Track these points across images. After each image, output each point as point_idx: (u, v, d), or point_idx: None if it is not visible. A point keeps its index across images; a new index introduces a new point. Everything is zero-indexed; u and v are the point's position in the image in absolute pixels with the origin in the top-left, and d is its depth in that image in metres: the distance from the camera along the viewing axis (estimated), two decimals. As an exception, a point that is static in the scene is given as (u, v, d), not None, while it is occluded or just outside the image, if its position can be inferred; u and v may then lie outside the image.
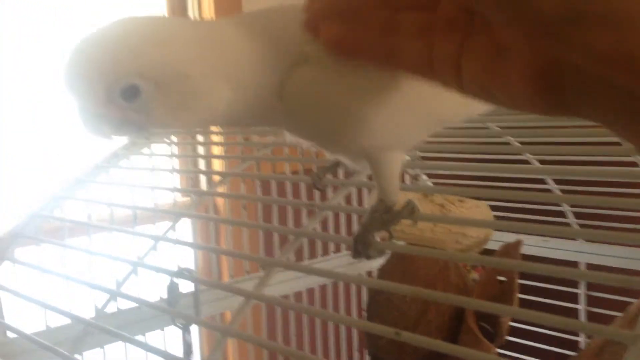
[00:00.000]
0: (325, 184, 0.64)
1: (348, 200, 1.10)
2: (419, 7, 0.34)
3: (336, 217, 1.14)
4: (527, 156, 0.90)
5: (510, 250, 0.71)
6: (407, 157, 1.07)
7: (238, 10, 1.51)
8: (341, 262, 1.10)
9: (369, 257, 0.52)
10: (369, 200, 0.82)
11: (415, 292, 0.48)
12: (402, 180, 1.04)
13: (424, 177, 1.25)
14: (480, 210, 0.76)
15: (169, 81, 0.38)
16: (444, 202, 0.72)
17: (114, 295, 0.65)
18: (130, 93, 0.38)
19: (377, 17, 0.36)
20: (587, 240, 1.29)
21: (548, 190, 1.19)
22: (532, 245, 1.34)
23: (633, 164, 0.85)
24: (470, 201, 0.73)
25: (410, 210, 0.53)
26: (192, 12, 1.53)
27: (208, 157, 1.08)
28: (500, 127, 0.75)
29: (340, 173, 0.65)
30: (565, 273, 0.45)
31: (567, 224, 1.29)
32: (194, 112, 0.41)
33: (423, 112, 0.47)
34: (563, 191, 1.21)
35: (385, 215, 0.51)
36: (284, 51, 0.43)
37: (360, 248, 0.52)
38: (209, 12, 1.51)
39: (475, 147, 0.71)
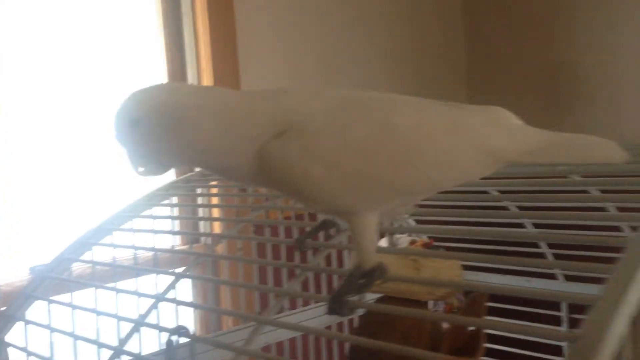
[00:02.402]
0: (307, 247, 0.72)
1: (328, 258, 1.19)
2: None
3: (316, 274, 1.22)
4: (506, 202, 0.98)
5: (476, 300, 0.79)
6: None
7: (231, 24, 1.60)
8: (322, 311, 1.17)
9: (342, 315, 0.59)
10: (350, 262, 0.89)
11: (387, 347, 0.54)
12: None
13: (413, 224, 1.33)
14: (450, 264, 0.83)
15: (163, 114, 0.54)
16: (416, 257, 0.80)
17: (117, 352, 0.72)
18: (133, 124, 0.55)
19: None
20: (568, 280, 1.37)
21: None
22: (516, 285, 1.41)
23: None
24: (443, 253, 0.81)
25: (381, 273, 0.60)
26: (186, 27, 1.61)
27: (209, 220, 1.16)
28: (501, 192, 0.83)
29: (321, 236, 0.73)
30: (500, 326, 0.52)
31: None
32: (191, 137, 0.54)
33: (385, 183, 0.55)
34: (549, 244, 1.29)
35: (361, 281, 0.59)
36: (270, 123, 0.54)
37: (336, 307, 0.59)
38: (202, 19, 1.59)
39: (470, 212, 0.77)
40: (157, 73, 1.59)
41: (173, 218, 1.01)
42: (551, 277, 1.38)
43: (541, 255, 1.33)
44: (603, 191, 0.91)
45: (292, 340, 1.09)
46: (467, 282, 0.78)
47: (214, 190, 1.13)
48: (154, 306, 0.75)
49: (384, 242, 1.20)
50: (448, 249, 1.33)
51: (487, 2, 2.26)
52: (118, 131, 0.56)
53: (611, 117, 2.00)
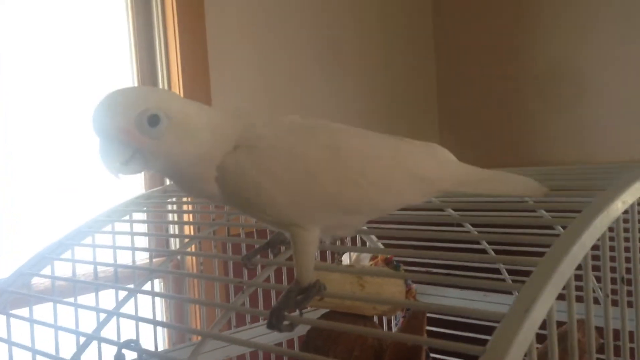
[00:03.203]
0: (255, 264, 0.75)
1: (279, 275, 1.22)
2: None
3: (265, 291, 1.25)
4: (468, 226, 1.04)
5: (417, 316, 0.83)
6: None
7: (201, 26, 1.64)
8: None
9: (280, 331, 0.63)
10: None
11: None
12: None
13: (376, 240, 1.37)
14: (394, 280, 0.88)
15: (179, 117, 0.57)
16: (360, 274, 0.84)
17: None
18: (154, 121, 0.55)
19: None
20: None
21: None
22: (475, 300, 1.46)
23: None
24: (385, 271, 0.85)
25: (318, 290, 0.64)
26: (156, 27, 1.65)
27: (166, 236, 1.18)
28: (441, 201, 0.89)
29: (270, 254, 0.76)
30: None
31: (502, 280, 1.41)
32: (190, 144, 0.57)
33: (328, 200, 0.60)
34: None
35: (299, 297, 0.62)
36: (232, 139, 0.59)
37: (274, 322, 0.63)
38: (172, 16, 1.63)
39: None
40: (127, 78, 1.63)
41: (132, 234, 1.04)
42: (508, 292, 1.43)
43: (497, 272, 1.38)
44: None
45: (241, 357, 1.11)
46: (403, 300, 0.82)
47: (175, 207, 1.16)
48: (107, 320, 0.78)
49: (346, 258, 1.24)
50: (406, 264, 1.38)
51: (457, 29, 2.32)
52: (123, 122, 0.55)
53: (578, 128, 2.07)
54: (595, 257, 0.62)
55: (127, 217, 1.09)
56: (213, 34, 1.68)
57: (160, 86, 1.64)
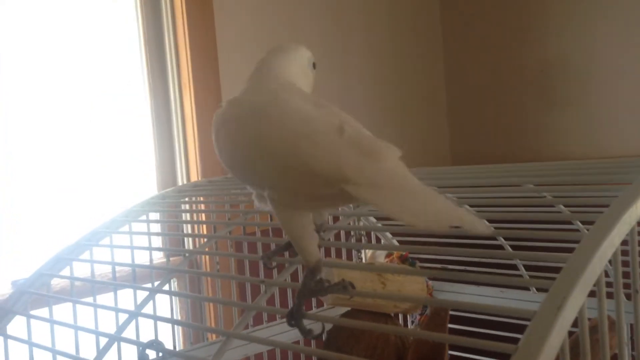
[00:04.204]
0: (274, 264, 0.75)
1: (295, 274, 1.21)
2: None
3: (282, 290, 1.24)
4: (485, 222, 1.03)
5: (439, 313, 0.82)
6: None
7: (210, 23, 1.64)
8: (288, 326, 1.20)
9: (300, 329, 0.62)
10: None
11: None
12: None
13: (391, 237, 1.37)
14: (415, 278, 0.87)
15: None
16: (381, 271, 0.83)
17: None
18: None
19: None
20: (538, 290, 1.40)
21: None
22: (490, 295, 1.45)
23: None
24: (407, 269, 0.85)
25: (342, 288, 0.63)
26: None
27: (181, 235, 1.18)
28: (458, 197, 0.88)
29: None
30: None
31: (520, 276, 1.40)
32: None
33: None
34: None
35: (314, 286, 0.61)
36: None
37: (294, 320, 0.62)
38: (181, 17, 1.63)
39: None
40: (137, 76, 1.62)
41: (149, 234, 1.04)
42: (525, 288, 1.42)
43: (514, 267, 1.37)
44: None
45: (259, 356, 1.11)
46: (427, 298, 0.82)
47: (190, 207, 1.16)
48: (129, 321, 0.78)
49: (380, 256, 1.22)
50: (421, 260, 1.37)
51: (464, 24, 2.31)
52: None
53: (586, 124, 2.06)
54: (622, 252, 0.61)
55: (143, 217, 1.09)
56: (222, 31, 1.68)
57: (170, 84, 1.65)
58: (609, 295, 0.60)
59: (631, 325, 0.63)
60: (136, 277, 1.07)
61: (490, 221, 1.20)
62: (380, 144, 0.54)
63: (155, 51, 1.64)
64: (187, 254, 0.92)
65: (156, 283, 0.83)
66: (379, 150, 0.53)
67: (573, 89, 2.08)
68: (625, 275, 0.66)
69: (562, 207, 1.01)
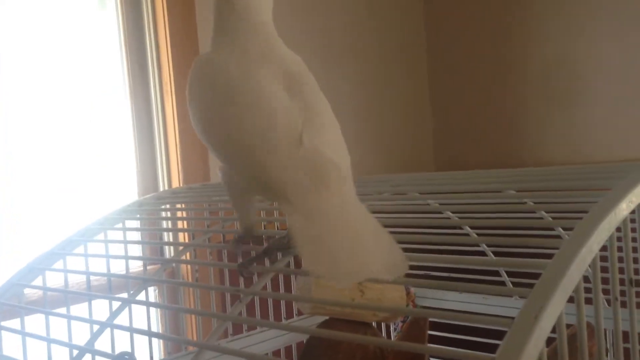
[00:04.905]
0: (252, 272, 0.73)
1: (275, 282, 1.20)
2: None
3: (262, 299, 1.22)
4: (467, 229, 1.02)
5: (418, 322, 0.81)
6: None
7: (192, 23, 1.62)
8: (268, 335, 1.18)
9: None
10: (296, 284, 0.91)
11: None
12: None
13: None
14: (395, 287, 0.86)
15: None
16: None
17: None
18: None
19: None
20: (521, 297, 1.40)
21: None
22: (473, 302, 1.45)
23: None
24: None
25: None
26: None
27: (159, 244, 1.16)
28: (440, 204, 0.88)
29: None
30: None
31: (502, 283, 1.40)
32: None
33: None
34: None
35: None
36: None
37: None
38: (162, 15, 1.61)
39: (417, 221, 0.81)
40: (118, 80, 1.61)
41: (125, 242, 1.01)
42: (508, 295, 1.42)
43: (497, 274, 1.36)
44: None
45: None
46: (404, 308, 0.80)
47: (168, 214, 1.14)
48: (100, 332, 0.76)
49: None
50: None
51: (449, 27, 2.31)
52: None
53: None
54: (601, 259, 0.60)
55: (120, 225, 1.06)
56: (204, 33, 1.67)
57: (150, 73, 1.63)
58: (589, 301, 0.59)
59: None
60: (113, 286, 1.05)
61: (472, 228, 1.20)
62: (331, 165, 0.52)
63: (136, 54, 1.63)
64: (162, 263, 0.90)
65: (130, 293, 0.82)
66: (328, 177, 0.51)
67: (556, 96, 2.09)
68: (608, 280, 0.65)
69: (543, 213, 1.00)
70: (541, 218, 1.02)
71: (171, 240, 1.27)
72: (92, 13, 1.57)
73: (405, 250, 0.57)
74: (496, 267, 1.27)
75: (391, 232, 0.55)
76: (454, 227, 1.01)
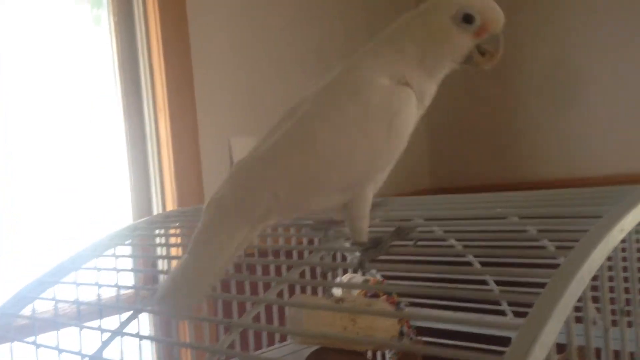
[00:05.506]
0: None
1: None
2: None
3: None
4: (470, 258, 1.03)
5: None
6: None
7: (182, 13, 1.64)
8: (286, 351, 1.16)
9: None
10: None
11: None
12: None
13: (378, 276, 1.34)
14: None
15: None
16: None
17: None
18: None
19: None
20: (517, 316, 1.39)
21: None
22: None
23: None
24: (378, 304, 0.83)
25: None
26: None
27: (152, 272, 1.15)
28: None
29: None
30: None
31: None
32: None
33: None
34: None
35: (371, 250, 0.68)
36: None
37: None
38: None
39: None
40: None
41: (116, 270, 1.00)
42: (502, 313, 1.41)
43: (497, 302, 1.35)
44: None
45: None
46: (399, 344, 0.80)
47: (163, 240, 1.13)
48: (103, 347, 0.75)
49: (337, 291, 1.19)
50: (398, 289, 1.34)
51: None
52: None
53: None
54: (593, 288, 0.60)
55: (111, 251, 1.05)
56: (198, 52, 1.67)
57: (144, 93, 1.62)
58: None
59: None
60: (104, 312, 1.04)
61: (476, 256, 1.19)
62: None
63: (130, 75, 1.63)
64: (154, 292, 0.89)
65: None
66: None
67: (551, 112, 2.10)
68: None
69: (546, 242, 0.99)
70: (544, 247, 1.01)
71: (165, 267, 1.25)
72: (84, 33, 1.57)
73: (409, 279, 0.58)
74: (496, 299, 1.26)
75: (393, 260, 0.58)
76: (458, 256, 1.01)
